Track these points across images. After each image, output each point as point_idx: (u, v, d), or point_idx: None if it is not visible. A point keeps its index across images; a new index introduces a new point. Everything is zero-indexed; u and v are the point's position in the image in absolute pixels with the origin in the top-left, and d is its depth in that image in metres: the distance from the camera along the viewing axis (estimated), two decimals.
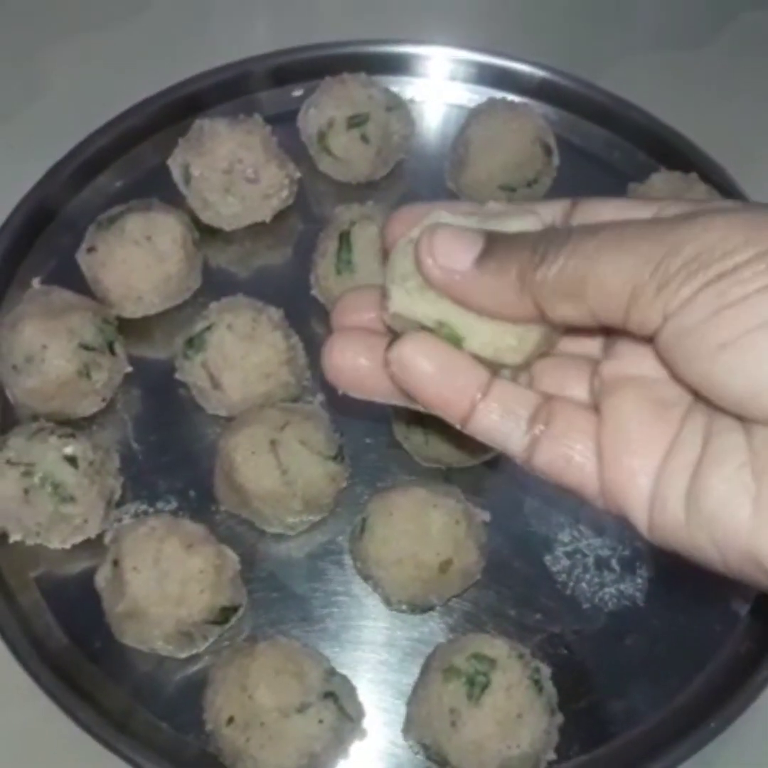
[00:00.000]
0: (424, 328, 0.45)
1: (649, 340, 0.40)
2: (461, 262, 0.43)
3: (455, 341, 0.45)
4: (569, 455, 0.44)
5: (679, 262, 0.37)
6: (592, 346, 0.48)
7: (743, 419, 0.39)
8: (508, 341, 0.44)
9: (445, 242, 0.43)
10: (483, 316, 0.44)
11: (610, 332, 0.46)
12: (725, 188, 0.88)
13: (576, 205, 0.47)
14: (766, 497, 0.38)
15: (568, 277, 0.40)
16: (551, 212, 0.46)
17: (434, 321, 0.45)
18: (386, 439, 0.81)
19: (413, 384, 0.45)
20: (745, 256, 0.37)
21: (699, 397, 0.41)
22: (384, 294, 0.46)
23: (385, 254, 0.49)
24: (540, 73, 0.95)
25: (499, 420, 0.45)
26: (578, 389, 0.46)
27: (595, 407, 0.45)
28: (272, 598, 0.75)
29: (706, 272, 0.37)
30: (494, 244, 0.43)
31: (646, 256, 0.38)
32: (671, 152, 0.92)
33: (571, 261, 0.40)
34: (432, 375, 0.44)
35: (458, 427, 0.45)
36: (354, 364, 0.46)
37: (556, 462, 0.44)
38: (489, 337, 0.44)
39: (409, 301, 0.45)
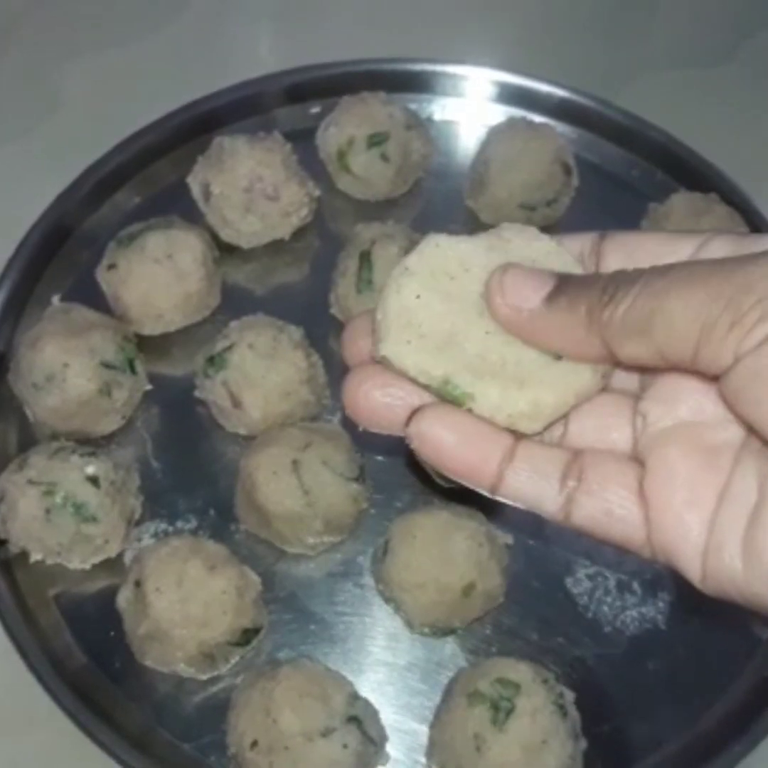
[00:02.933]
0: (417, 383, 0.44)
1: (713, 379, 0.39)
2: (532, 300, 0.42)
3: (460, 402, 0.43)
4: (609, 509, 0.43)
5: (753, 300, 0.37)
6: (628, 380, 0.47)
7: None
8: (520, 407, 0.43)
9: (516, 281, 0.43)
10: (489, 377, 0.43)
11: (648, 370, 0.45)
12: (745, 209, 0.88)
13: (604, 237, 0.46)
14: None
15: (636, 314, 0.39)
16: (579, 245, 0.46)
17: (436, 378, 0.43)
18: (405, 459, 0.80)
19: (437, 457, 0.43)
20: None
21: (765, 441, 0.40)
22: (375, 329, 0.45)
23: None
24: (560, 92, 0.95)
25: (530, 482, 0.43)
26: (618, 431, 0.45)
27: (637, 450, 0.44)
28: (292, 619, 0.74)
29: None
30: (565, 284, 0.42)
31: (717, 293, 0.37)
32: (690, 172, 0.92)
33: (640, 299, 0.39)
34: (455, 446, 0.43)
35: (489, 495, 0.44)
36: (374, 402, 0.45)
37: (597, 517, 0.43)
38: (498, 399, 0.43)
39: (404, 350, 0.43)
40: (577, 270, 0.45)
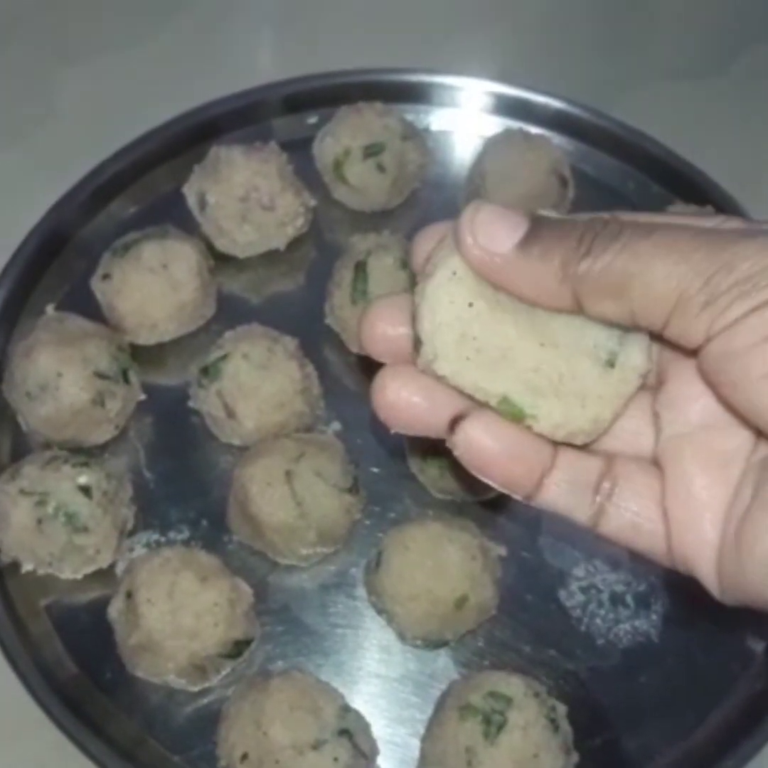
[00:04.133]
0: (473, 399, 0.43)
1: (690, 352, 0.39)
2: (503, 245, 0.41)
3: (519, 418, 0.42)
4: (637, 523, 0.43)
5: (731, 281, 0.36)
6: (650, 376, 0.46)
7: None
8: (581, 425, 0.43)
9: (488, 221, 0.41)
10: (551, 396, 0.42)
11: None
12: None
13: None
14: None
15: (614, 274, 0.39)
16: None
17: (495, 396, 0.42)
18: (399, 470, 0.80)
19: (481, 465, 0.43)
20: None
21: (743, 421, 0.40)
22: (422, 339, 0.43)
23: (411, 278, 0.46)
24: (556, 103, 0.95)
25: (567, 493, 0.44)
26: (642, 428, 0.45)
27: (655, 453, 0.44)
28: (284, 630, 0.74)
29: (757, 295, 0.36)
30: (539, 229, 0.41)
31: (698, 267, 0.37)
32: (686, 184, 0.92)
33: (620, 258, 0.39)
34: (501, 455, 0.43)
35: (523, 500, 0.44)
36: (409, 402, 0.44)
37: (625, 530, 0.43)
38: (561, 418, 0.42)
39: (464, 368, 0.42)
40: None
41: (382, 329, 0.45)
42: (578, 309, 0.41)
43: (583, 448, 0.44)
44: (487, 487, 0.75)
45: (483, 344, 0.42)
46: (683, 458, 0.42)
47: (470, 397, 0.43)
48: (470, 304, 0.42)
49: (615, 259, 0.39)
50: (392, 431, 0.45)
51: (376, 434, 0.82)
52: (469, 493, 0.77)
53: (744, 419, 0.40)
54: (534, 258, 0.40)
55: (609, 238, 0.39)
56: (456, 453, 0.43)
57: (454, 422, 0.43)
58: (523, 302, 0.42)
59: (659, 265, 0.38)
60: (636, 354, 0.43)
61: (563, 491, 0.44)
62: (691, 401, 0.43)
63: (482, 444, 0.43)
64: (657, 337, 0.41)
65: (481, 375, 0.42)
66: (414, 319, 0.43)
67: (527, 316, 0.43)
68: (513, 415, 0.42)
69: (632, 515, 0.43)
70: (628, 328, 0.42)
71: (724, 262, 0.37)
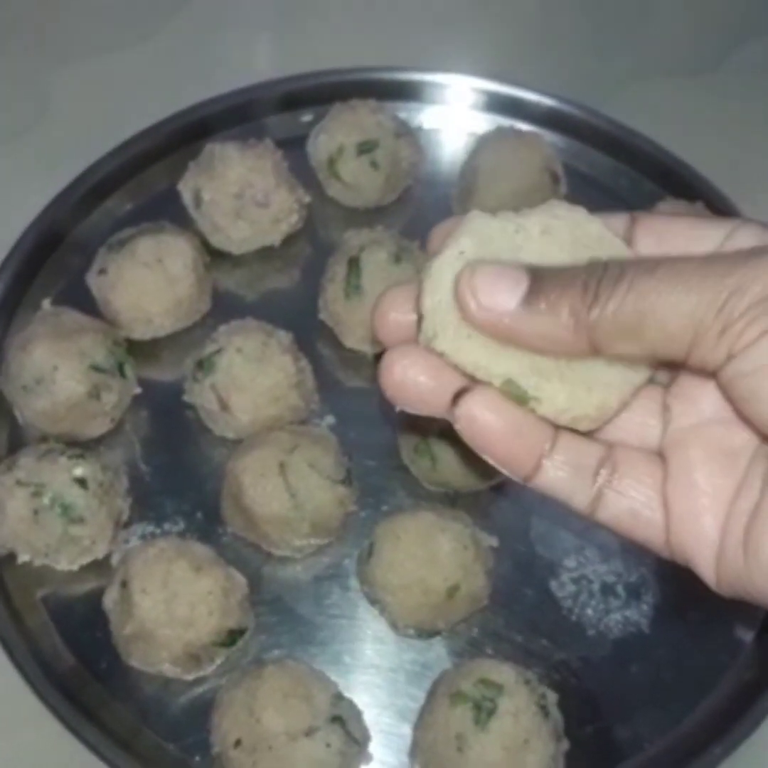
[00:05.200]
0: (473, 378, 0.42)
1: (711, 375, 0.40)
2: (508, 303, 0.41)
3: (522, 401, 0.42)
4: (636, 510, 0.43)
5: (745, 305, 0.37)
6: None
7: None
8: (586, 410, 0.42)
9: (487, 282, 0.41)
10: (556, 380, 0.42)
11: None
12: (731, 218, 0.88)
13: (636, 220, 0.45)
14: None
15: (626, 316, 0.39)
16: (615, 226, 0.45)
17: (498, 376, 0.42)
18: (392, 462, 0.81)
19: (482, 441, 0.43)
20: None
21: (761, 436, 0.41)
22: (424, 316, 0.43)
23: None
24: (548, 101, 0.96)
25: (566, 477, 0.44)
26: (651, 422, 0.45)
27: (662, 445, 0.44)
28: (278, 621, 0.75)
29: None
30: (540, 282, 0.41)
31: (710, 297, 0.37)
32: (677, 181, 0.93)
33: (629, 300, 0.39)
34: (502, 432, 0.43)
35: (521, 481, 0.44)
36: (415, 381, 0.44)
37: (622, 517, 0.43)
38: (565, 402, 0.42)
39: (465, 346, 0.42)
40: (626, 253, 0.43)
41: (394, 317, 0.45)
42: (595, 354, 0.41)
43: (587, 434, 0.44)
44: (480, 477, 0.77)
45: None
46: (689, 448, 0.43)
47: (472, 377, 0.43)
48: None
49: (624, 300, 0.39)
50: (397, 409, 0.46)
51: (370, 427, 0.83)
52: (462, 482, 0.78)
53: (760, 435, 0.40)
54: (542, 313, 0.40)
55: (613, 280, 0.39)
56: (457, 427, 0.43)
57: (457, 396, 0.43)
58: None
59: (670, 300, 0.38)
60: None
61: (562, 474, 0.44)
62: (704, 394, 0.43)
63: (484, 419, 0.43)
64: (680, 365, 0.41)
65: (482, 354, 0.42)
66: (418, 296, 0.44)
67: None
68: (517, 397, 0.42)
69: (631, 502, 0.43)
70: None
71: (735, 287, 0.37)
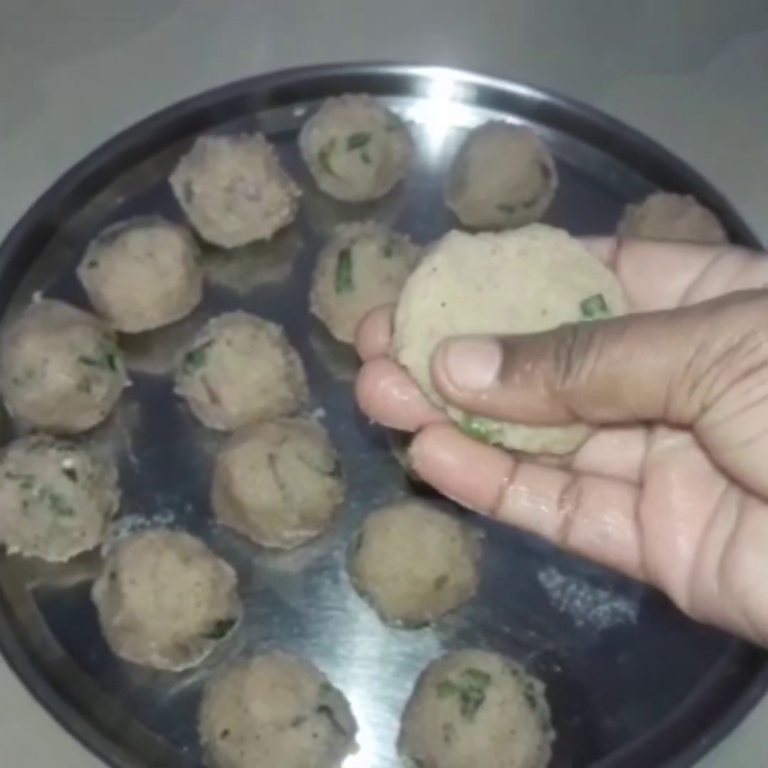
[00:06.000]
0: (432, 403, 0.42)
1: (689, 428, 0.40)
2: (482, 380, 0.40)
3: (487, 438, 0.42)
4: (606, 532, 0.43)
5: (709, 361, 0.37)
6: None
7: None
8: (554, 435, 0.42)
9: (460, 360, 0.41)
10: None
11: None
12: (720, 211, 0.89)
13: (622, 246, 0.45)
14: None
15: (599, 384, 0.39)
16: (598, 250, 0.44)
17: (461, 415, 0.41)
18: (383, 455, 0.81)
19: (438, 477, 0.43)
20: None
21: (733, 483, 0.41)
22: (396, 330, 0.43)
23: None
24: (539, 95, 0.96)
25: (530, 504, 0.43)
26: (631, 445, 0.45)
27: (641, 468, 0.44)
28: (268, 612, 0.75)
29: (734, 370, 0.37)
30: (513, 355, 0.41)
31: (677, 356, 0.38)
32: (668, 175, 0.93)
33: (600, 367, 0.39)
34: (456, 466, 0.42)
35: (488, 516, 0.44)
36: (392, 400, 0.44)
37: (593, 540, 0.43)
38: (528, 431, 0.41)
39: (426, 362, 0.41)
40: (607, 277, 0.43)
41: (374, 337, 0.45)
42: (577, 421, 0.41)
43: (552, 460, 0.44)
44: None
45: None
46: (668, 470, 0.43)
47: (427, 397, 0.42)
48: (443, 304, 0.42)
49: (596, 368, 0.39)
50: (371, 422, 0.45)
51: (360, 421, 0.83)
52: None
53: (732, 481, 0.40)
54: (517, 387, 0.40)
55: (583, 347, 0.39)
56: (413, 466, 0.43)
57: (415, 434, 0.43)
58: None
59: (640, 363, 0.38)
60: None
61: (525, 504, 0.43)
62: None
63: (438, 456, 0.42)
64: (660, 421, 0.41)
65: None
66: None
67: (507, 322, 0.42)
68: (480, 436, 0.42)
69: (601, 525, 0.43)
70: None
71: (701, 343, 0.37)
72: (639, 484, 0.44)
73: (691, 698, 0.73)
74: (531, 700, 0.67)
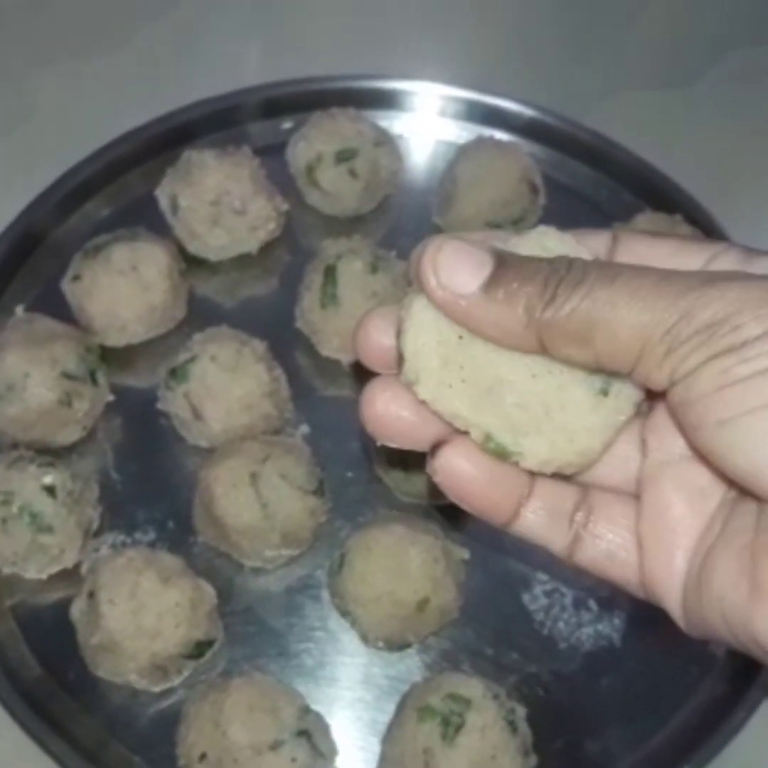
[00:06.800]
0: (452, 426, 0.42)
1: (660, 394, 0.39)
2: (467, 285, 0.40)
3: (505, 456, 0.42)
4: (612, 551, 0.43)
5: (691, 330, 0.37)
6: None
7: (752, 495, 0.38)
8: (569, 459, 0.42)
9: (451, 261, 0.40)
10: (534, 433, 0.41)
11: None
12: (708, 230, 0.88)
13: (618, 239, 0.44)
14: (761, 578, 0.38)
15: (577, 322, 0.38)
16: (596, 246, 0.44)
17: (477, 428, 0.41)
18: (367, 474, 0.81)
19: (460, 492, 0.43)
20: (755, 332, 0.36)
21: (705, 463, 0.40)
22: (406, 359, 0.42)
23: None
24: (528, 111, 0.96)
25: (544, 522, 0.44)
26: (630, 457, 0.45)
27: (639, 480, 0.44)
28: (249, 632, 0.74)
29: (714, 345, 0.36)
30: (504, 269, 0.40)
31: (661, 317, 0.37)
32: (656, 193, 0.92)
33: (583, 305, 0.38)
34: (480, 482, 0.42)
35: (501, 528, 0.44)
36: (398, 416, 0.43)
37: (599, 559, 0.43)
38: (548, 454, 0.41)
39: (446, 394, 0.41)
40: None
41: (377, 339, 0.45)
42: (543, 352, 0.40)
43: (568, 477, 0.44)
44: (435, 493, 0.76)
45: (470, 375, 0.41)
46: (663, 486, 0.42)
47: (450, 425, 0.42)
48: (460, 336, 0.41)
49: (579, 305, 0.38)
50: (379, 444, 0.45)
51: (345, 437, 0.82)
52: (435, 494, 0.77)
53: (705, 462, 0.40)
54: (498, 302, 0.40)
55: (573, 283, 0.39)
56: (435, 479, 0.43)
57: (435, 448, 0.43)
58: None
59: (622, 314, 0.38)
60: (632, 383, 0.42)
61: (540, 520, 0.44)
62: (675, 430, 0.42)
63: (461, 471, 0.42)
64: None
65: (463, 405, 0.41)
66: (398, 332, 0.42)
67: None
68: (498, 453, 0.42)
69: (607, 544, 0.43)
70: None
71: (685, 311, 0.37)
72: (637, 497, 0.44)
73: (675, 722, 0.73)
74: (512, 725, 0.66)
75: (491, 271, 0.40)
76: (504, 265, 0.40)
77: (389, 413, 0.43)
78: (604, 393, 0.42)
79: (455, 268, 0.40)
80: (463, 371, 0.41)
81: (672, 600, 0.41)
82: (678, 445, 0.42)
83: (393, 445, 0.45)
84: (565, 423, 0.42)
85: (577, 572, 0.44)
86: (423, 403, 0.42)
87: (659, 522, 0.42)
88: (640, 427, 0.44)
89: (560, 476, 0.43)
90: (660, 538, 0.42)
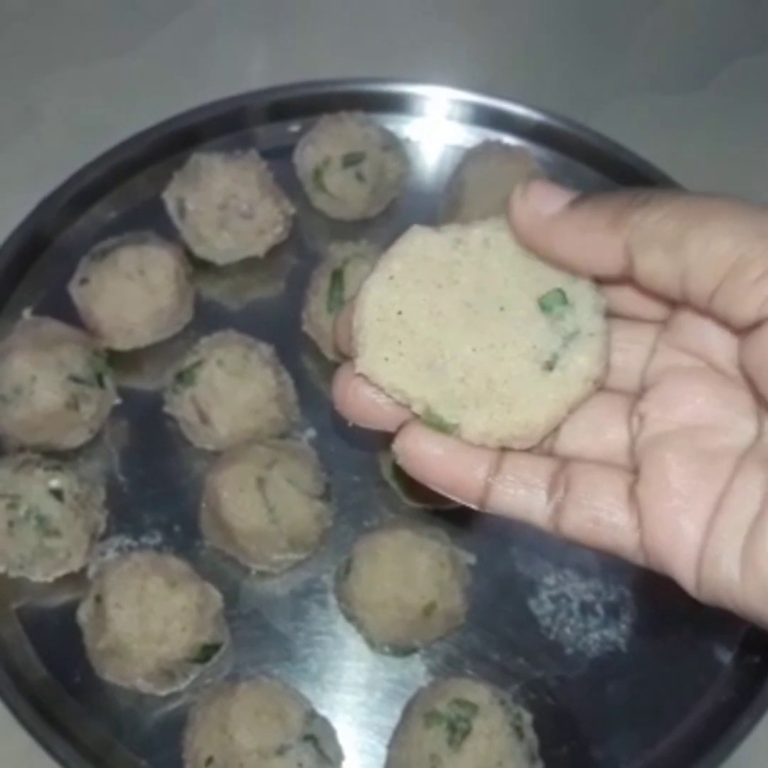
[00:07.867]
0: (396, 402, 0.42)
1: (723, 324, 0.38)
2: (553, 205, 0.40)
3: (445, 429, 0.42)
4: (597, 517, 0.42)
5: None
6: (626, 379, 0.45)
7: None
8: (510, 430, 0.42)
9: (542, 188, 0.41)
10: (473, 406, 0.42)
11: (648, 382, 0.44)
12: None
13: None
14: None
15: (671, 224, 0.37)
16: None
17: (416, 401, 0.42)
18: (374, 478, 0.81)
19: (423, 471, 0.43)
20: None
21: None
22: (353, 337, 0.42)
23: None
24: (536, 115, 0.96)
25: (518, 493, 0.43)
26: (613, 432, 0.44)
27: (633, 452, 0.43)
28: (255, 636, 0.74)
29: None
30: (590, 195, 0.41)
31: (762, 230, 0.35)
32: None
33: (679, 211, 0.37)
34: (440, 461, 0.43)
35: (478, 508, 0.44)
36: (364, 399, 0.44)
37: (585, 526, 0.42)
38: (485, 426, 0.42)
39: (382, 368, 0.42)
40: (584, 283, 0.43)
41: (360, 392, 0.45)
42: (625, 267, 0.39)
43: (532, 450, 0.44)
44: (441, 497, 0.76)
45: (408, 349, 0.42)
46: (664, 451, 0.41)
47: (391, 398, 0.42)
48: (400, 312, 0.42)
49: (673, 211, 0.37)
50: (349, 424, 0.46)
51: (351, 442, 0.82)
52: (441, 499, 0.77)
53: None
54: (584, 211, 0.40)
55: (668, 195, 0.38)
56: (399, 461, 0.44)
57: (398, 429, 0.43)
58: (562, 267, 0.42)
59: (721, 222, 0.36)
60: (583, 358, 0.42)
61: (513, 493, 0.43)
62: (681, 403, 0.42)
63: (420, 449, 0.43)
64: (701, 311, 0.39)
65: (400, 379, 0.42)
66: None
67: (464, 319, 0.42)
68: (438, 426, 0.42)
69: (591, 509, 0.42)
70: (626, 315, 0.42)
71: None
72: (628, 469, 0.43)
73: (681, 728, 0.73)
74: (519, 731, 0.66)
75: (580, 195, 0.41)
76: (591, 194, 0.41)
77: (359, 394, 0.44)
78: (550, 367, 0.42)
79: (544, 191, 0.41)
80: (402, 346, 0.42)
81: (680, 565, 0.40)
82: (683, 416, 0.42)
83: (362, 425, 0.45)
84: (506, 395, 0.42)
85: (568, 543, 0.43)
86: (360, 376, 0.42)
87: (662, 487, 0.41)
88: (627, 405, 0.44)
89: (529, 450, 0.43)
90: (663, 503, 0.41)
